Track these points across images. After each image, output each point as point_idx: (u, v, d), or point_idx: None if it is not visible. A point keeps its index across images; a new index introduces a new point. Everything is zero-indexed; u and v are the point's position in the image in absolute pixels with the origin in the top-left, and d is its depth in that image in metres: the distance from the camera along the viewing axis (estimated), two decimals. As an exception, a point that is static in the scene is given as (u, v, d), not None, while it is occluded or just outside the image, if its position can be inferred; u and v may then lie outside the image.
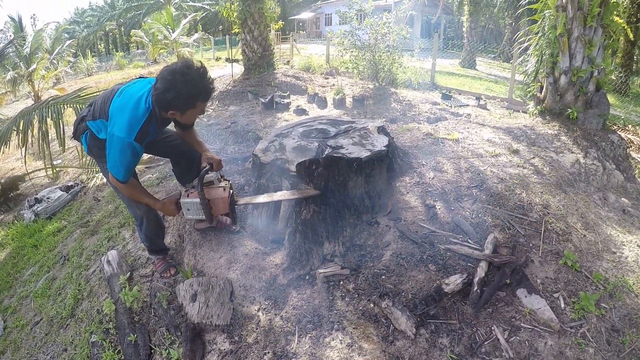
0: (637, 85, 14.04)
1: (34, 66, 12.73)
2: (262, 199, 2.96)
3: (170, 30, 19.10)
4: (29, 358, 2.77)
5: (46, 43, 17.57)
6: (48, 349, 2.78)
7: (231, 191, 2.66)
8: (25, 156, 5.05)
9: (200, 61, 2.20)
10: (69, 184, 5.52)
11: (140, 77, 2.41)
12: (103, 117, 2.27)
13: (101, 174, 4.99)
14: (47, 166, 5.39)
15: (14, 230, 4.78)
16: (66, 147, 4.87)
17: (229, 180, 2.76)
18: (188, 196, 2.59)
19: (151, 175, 4.56)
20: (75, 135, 2.51)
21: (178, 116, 2.24)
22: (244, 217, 3.37)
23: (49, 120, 4.57)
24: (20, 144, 4.66)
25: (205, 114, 7.37)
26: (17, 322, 3.13)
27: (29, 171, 5.88)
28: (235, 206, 2.79)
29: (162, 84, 2.08)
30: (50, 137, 4.82)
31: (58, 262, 3.72)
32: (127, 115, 2.14)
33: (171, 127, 2.68)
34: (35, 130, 4.62)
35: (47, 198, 5.16)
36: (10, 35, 13.89)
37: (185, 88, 2.08)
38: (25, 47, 12.76)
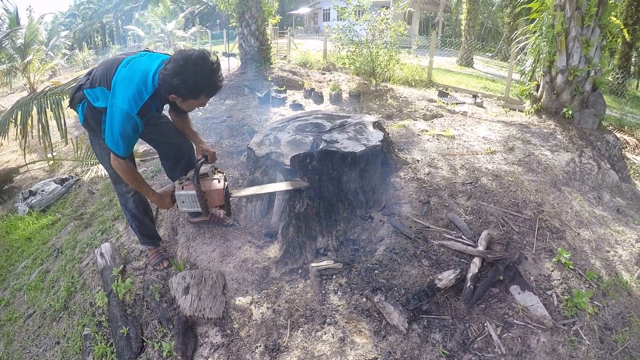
0: (633, 87, 14.09)
1: (29, 57, 12.61)
2: (255, 190, 2.96)
3: (167, 22, 19.03)
4: (21, 351, 2.76)
5: (42, 35, 17.39)
6: (41, 342, 2.76)
7: (226, 183, 2.65)
8: (24, 148, 4.98)
9: (217, 56, 2.16)
10: (64, 177, 5.49)
11: (146, 50, 2.37)
12: (104, 85, 2.19)
13: (95, 167, 4.99)
14: (47, 159, 5.34)
15: (7, 223, 4.75)
16: (62, 140, 4.81)
17: (222, 173, 2.75)
18: (183, 188, 2.55)
19: (145, 169, 4.53)
20: (72, 104, 2.42)
21: (178, 102, 2.21)
22: (237, 211, 3.36)
23: (48, 111, 4.48)
24: (20, 135, 4.58)
25: (201, 107, 7.32)
26: (10, 314, 3.12)
27: (24, 164, 5.83)
28: (230, 198, 2.78)
29: (172, 67, 2.03)
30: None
31: (51, 255, 3.70)
32: (134, 88, 2.09)
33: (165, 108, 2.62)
34: (34, 122, 4.54)
35: (42, 191, 5.12)
36: (7, 28, 13.71)
37: (193, 79, 2.04)
38: (18, 38, 12.64)
